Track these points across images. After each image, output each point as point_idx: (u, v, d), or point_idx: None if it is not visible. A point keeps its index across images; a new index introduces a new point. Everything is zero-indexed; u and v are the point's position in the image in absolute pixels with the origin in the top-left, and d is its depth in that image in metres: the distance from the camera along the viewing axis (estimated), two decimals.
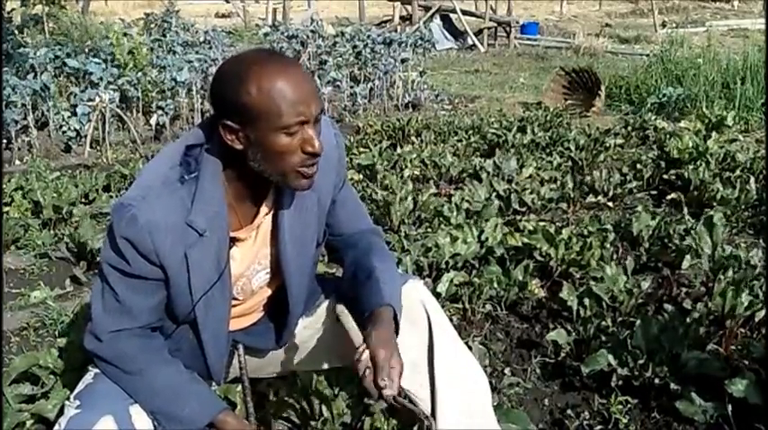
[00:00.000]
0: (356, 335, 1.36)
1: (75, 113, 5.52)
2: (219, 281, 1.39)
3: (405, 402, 1.34)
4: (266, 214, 1.45)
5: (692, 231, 2.89)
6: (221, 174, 1.36)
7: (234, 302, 1.50)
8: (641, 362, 1.98)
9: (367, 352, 1.31)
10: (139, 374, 1.38)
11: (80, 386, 1.44)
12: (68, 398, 1.42)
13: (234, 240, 1.42)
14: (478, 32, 13.33)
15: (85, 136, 5.38)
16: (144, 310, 1.38)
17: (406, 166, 4.31)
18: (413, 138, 5.44)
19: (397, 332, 1.41)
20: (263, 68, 1.26)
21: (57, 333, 2.46)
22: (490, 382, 1.89)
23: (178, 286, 1.37)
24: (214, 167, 1.35)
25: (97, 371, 1.43)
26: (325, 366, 1.73)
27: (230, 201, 1.38)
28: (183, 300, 1.39)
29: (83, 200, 3.91)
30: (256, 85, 1.25)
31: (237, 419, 1.42)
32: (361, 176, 4.18)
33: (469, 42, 13.24)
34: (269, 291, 1.59)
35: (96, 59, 6.33)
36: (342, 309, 1.38)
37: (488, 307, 2.54)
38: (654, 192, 4.06)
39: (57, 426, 1.35)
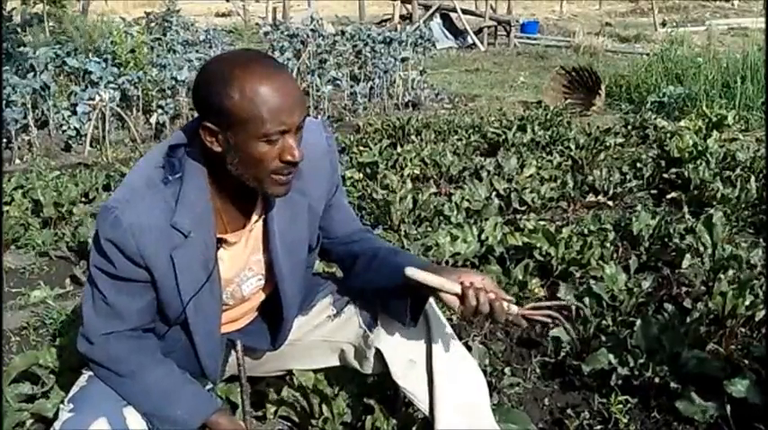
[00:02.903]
0: (450, 284, 1.34)
1: (75, 112, 5.52)
2: (208, 282, 1.39)
3: (532, 308, 1.38)
4: (257, 221, 1.44)
5: (693, 230, 2.89)
6: (206, 176, 1.35)
7: (224, 307, 1.50)
8: (641, 361, 1.98)
9: (478, 280, 1.34)
10: (131, 376, 1.38)
11: (74, 389, 1.44)
12: (62, 402, 1.43)
13: (222, 242, 1.41)
14: (478, 31, 13.32)
15: (85, 135, 5.38)
16: (133, 312, 1.38)
17: (407, 165, 4.31)
18: (413, 137, 5.43)
19: (416, 319, 1.47)
20: (248, 72, 1.23)
21: (57, 332, 2.46)
22: (490, 382, 1.90)
23: (166, 288, 1.36)
24: (198, 169, 1.34)
25: (91, 373, 1.43)
26: (322, 365, 1.73)
27: (216, 204, 1.37)
28: (172, 302, 1.39)
29: (83, 199, 3.91)
30: (239, 89, 1.22)
31: (231, 420, 1.42)
32: (361, 175, 4.18)
33: (469, 41, 13.23)
34: (262, 297, 1.59)
35: (96, 58, 6.32)
36: (416, 272, 1.33)
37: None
38: (654, 192, 4.05)
39: None
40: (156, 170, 1.33)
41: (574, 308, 2.35)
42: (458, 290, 1.33)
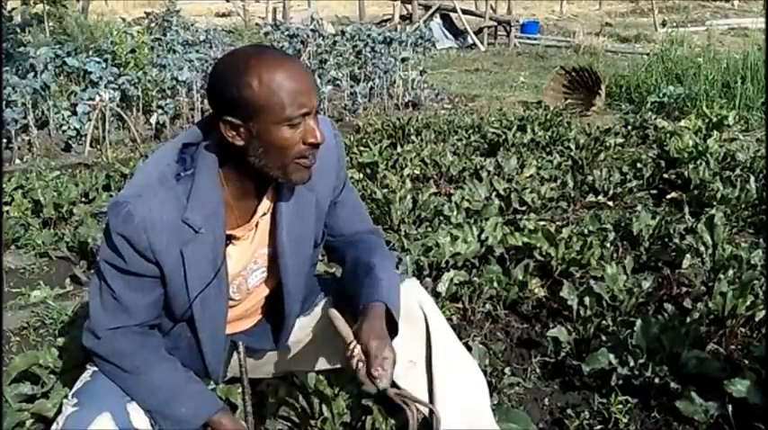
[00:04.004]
0: (348, 334, 1.36)
1: (75, 112, 5.52)
2: (216, 278, 1.39)
3: (401, 393, 1.35)
4: (264, 214, 1.44)
5: (693, 230, 2.90)
6: (218, 173, 1.35)
7: (231, 303, 1.50)
8: (641, 361, 1.98)
9: (359, 345, 1.31)
10: (136, 373, 1.38)
11: (78, 384, 1.44)
12: (66, 397, 1.43)
13: (230, 238, 1.42)
14: (478, 31, 13.32)
15: (85, 135, 5.38)
16: (141, 308, 1.38)
17: (407, 165, 4.31)
18: (413, 137, 5.44)
19: (396, 331, 1.41)
20: (262, 62, 1.26)
21: (57, 332, 2.46)
22: (490, 382, 1.89)
23: (174, 283, 1.37)
24: (211, 165, 1.34)
25: (95, 369, 1.43)
26: (323, 366, 1.73)
27: (227, 199, 1.38)
28: (179, 298, 1.39)
29: (83, 199, 3.91)
30: (257, 78, 1.24)
31: (233, 420, 1.42)
32: (361, 175, 4.18)
33: (469, 41, 13.23)
34: (265, 292, 1.59)
35: (96, 58, 6.32)
36: (333, 312, 1.37)
37: (488, 306, 2.54)
38: (654, 192, 4.05)
39: (55, 425, 1.35)
40: (168, 166, 1.34)
41: (574, 308, 2.36)
42: (348, 340, 1.34)
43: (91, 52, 6.87)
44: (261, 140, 1.28)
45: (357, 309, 1.41)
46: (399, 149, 4.73)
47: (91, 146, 5.40)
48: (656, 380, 1.96)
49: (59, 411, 1.41)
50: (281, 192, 1.43)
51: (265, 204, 1.43)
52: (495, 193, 3.68)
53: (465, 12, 13.73)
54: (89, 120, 5.39)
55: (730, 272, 2.46)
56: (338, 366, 1.71)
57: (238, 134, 1.29)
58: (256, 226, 1.45)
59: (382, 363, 1.29)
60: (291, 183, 1.38)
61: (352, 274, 1.53)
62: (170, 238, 1.32)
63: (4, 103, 5.18)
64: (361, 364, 1.30)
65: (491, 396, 1.66)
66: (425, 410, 1.52)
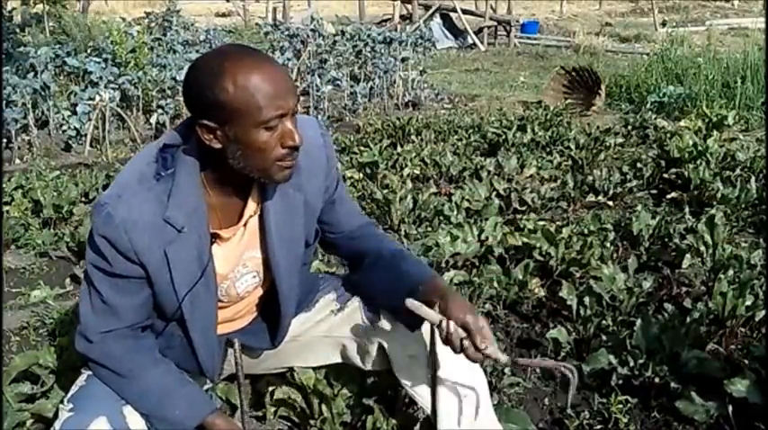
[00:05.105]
0: (434, 317, 1.35)
1: (75, 112, 5.52)
2: (203, 277, 1.38)
3: (529, 362, 1.42)
4: (251, 216, 1.43)
5: (693, 230, 2.89)
6: (199, 175, 1.34)
7: (220, 304, 1.49)
8: (641, 361, 1.98)
9: (451, 322, 1.31)
10: (129, 376, 1.38)
11: (73, 388, 1.44)
12: (62, 401, 1.43)
13: (215, 237, 1.41)
14: (478, 31, 13.32)
15: (86, 135, 5.38)
16: (129, 310, 1.37)
17: (407, 165, 4.31)
18: (413, 137, 5.43)
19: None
20: (238, 64, 1.24)
21: (57, 332, 2.46)
22: (490, 382, 1.89)
23: (161, 283, 1.36)
24: (191, 164, 1.33)
25: (90, 373, 1.43)
26: (323, 362, 1.73)
27: (210, 201, 1.37)
28: (168, 298, 1.38)
29: (83, 199, 3.91)
30: (232, 81, 1.22)
31: (228, 421, 1.42)
32: (361, 175, 4.18)
33: (469, 41, 13.23)
34: (259, 294, 1.58)
35: (96, 58, 6.33)
36: (412, 302, 1.36)
37: (488, 306, 2.54)
38: (654, 191, 4.05)
39: None
40: (148, 166, 1.33)
41: (574, 308, 2.35)
42: (436, 322, 1.35)
43: (90, 51, 6.87)
44: (238, 144, 1.27)
45: (410, 287, 1.41)
46: (399, 149, 4.73)
47: (91, 146, 5.40)
48: (656, 380, 1.96)
49: (56, 416, 1.41)
50: (267, 193, 1.42)
51: (252, 205, 1.43)
52: (495, 193, 3.68)
53: (465, 12, 13.72)
54: (89, 120, 5.39)
55: (730, 272, 2.46)
56: (338, 362, 1.71)
57: (216, 137, 1.27)
58: (245, 226, 1.44)
59: (486, 335, 1.30)
60: (274, 183, 1.37)
61: (387, 262, 1.53)
62: (152, 238, 1.31)
63: (4, 102, 5.18)
64: (466, 342, 1.30)
65: (491, 396, 1.66)
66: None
